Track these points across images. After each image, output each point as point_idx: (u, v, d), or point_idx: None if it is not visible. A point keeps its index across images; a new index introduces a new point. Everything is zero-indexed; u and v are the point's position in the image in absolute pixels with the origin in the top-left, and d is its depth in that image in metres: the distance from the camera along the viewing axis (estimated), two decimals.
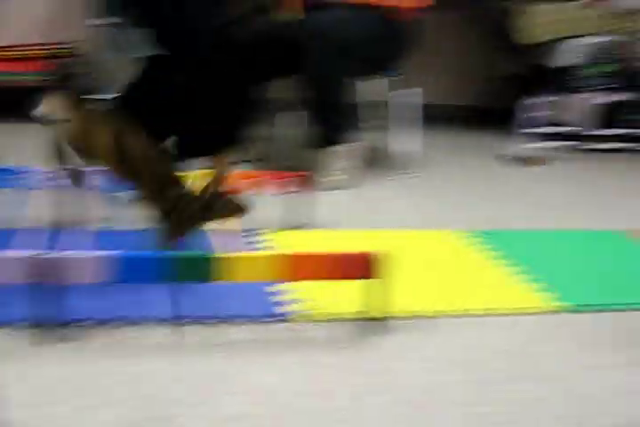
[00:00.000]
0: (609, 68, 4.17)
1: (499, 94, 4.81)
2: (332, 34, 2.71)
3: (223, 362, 1.50)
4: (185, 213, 1.92)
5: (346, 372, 1.49)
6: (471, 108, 4.90)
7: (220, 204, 1.96)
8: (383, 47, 3.01)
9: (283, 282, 1.80)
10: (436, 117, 4.68)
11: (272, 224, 2.34)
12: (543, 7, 4.12)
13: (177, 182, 1.94)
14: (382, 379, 1.47)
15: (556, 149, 3.89)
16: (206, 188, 1.94)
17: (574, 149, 4.03)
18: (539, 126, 3.79)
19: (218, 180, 1.96)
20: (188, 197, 1.94)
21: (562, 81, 4.23)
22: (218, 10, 2.22)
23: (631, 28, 4.33)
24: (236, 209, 1.99)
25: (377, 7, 2.94)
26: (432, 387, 1.45)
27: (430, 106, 4.76)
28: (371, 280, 1.63)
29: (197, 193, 1.93)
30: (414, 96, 3.23)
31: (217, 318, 1.68)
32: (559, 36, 4.17)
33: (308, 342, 1.62)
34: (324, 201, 2.55)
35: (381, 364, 1.53)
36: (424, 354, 1.59)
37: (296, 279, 1.70)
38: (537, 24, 4.12)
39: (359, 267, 1.62)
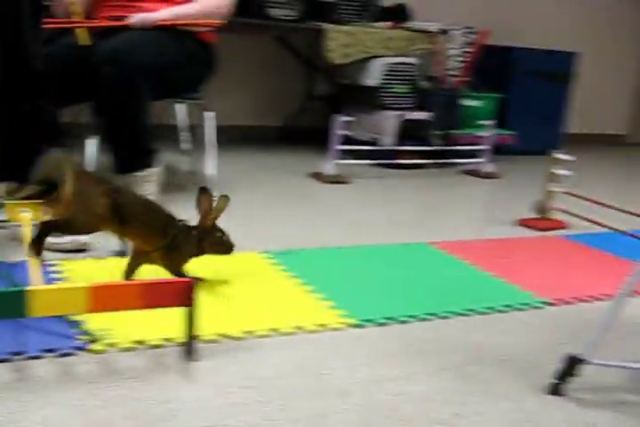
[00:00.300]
0: (406, 89, 4.40)
1: (313, 114, 4.96)
2: (126, 57, 2.67)
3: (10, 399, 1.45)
4: (183, 249, 2.02)
5: (132, 403, 1.47)
6: (286, 129, 5.01)
7: (214, 238, 2.10)
8: (184, 69, 3.01)
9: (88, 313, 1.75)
10: (248, 139, 4.77)
11: (84, 252, 2.32)
12: (345, 29, 4.28)
13: (174, 220, 2.03)
14: (168, 407, 1.46)
15: (364, 166, 4.05)
16: (200, 224, 2.07)
17: (381, 166, 4.22)
18: (348, 144, 3.93)
19: (208, 216, 2.08)
20: (184, 233, 2.03)
21: (368, 100, 4.42)
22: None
23: (429, 50, 4.59)
24: (227, 245, 2.13)
25: (174, 28, 2.93)
26: (224, 410, 1.47)
27: (241, 127, 4.85)
28: (177, 307, 1.63)
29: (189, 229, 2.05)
30: (212, 119, 3.25)
31: (14, 353, 1.62)
32: (363, 57, 4.36)
33: (107, 373, 1.58)
34: None
35: (174, 392, 1.53)
36: (221, 377, 1.60)
37: (101, 310, 1.65)
38: (340, 45, 4.27)
39: (170, 294, 1.61)
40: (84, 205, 1.85)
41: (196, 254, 2.08)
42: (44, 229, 1.88)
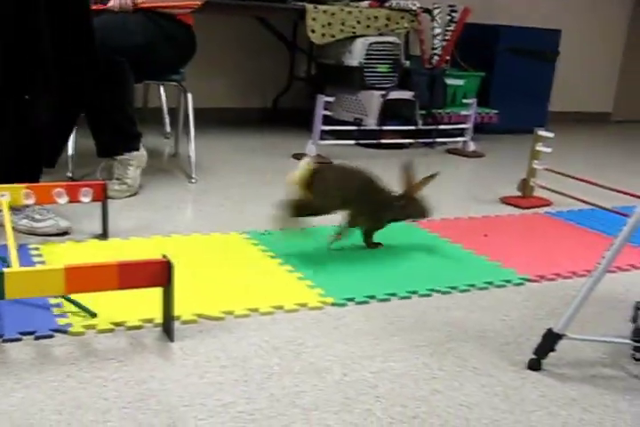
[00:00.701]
0: (388, 68, 4.37)
1: (295, 95, 4.94)
2: (104, 40, 2.64)
3: None
4: (385, 215, 2.41)
5: (110, 383, 1.46)
6: (268, 110, 4.98)
7: (415, 206, 2.44)
8: (163, 51, 2.98)
9: (65, 294, 1.75)
10: (230, 121, 4.74)
11: (64, 234, 2.33)
12: (326, 8, 4.24)
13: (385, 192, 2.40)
14: (146, 387, 1.46)
15: (347, 146, 4.04)
16: (405, 193, 2.41)
17: (364, 146, 4.21)
18: (331, 125, 3.92)
19: (413, 185, 2.41)
20: (390, 202, 2.40)
21: (351, 80, 4.40)
22: None
23: (411, 29, 4.56)
24: (425, 211, 2.46)
25: (152, 11, 2.91)
26: (202, 390, 1.47)
27: (223, 109, 4.82)
28: (157, 287, 1.63)
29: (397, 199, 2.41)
30: (191, 101, 3.23)
31: None
32: (344, 37, 4.33)
33: (85, 354, 1.57)
34: (115, 210, 2.58)
35: (152, 372, 1.52)
36: (199, 357, 1.60)
37: (78, 292, 1.64)
38: (322, 25, 4.24)
39: (146, 275, 1.61)
40: (324, 200, 2.25)
41: (400, 219, 2.46)
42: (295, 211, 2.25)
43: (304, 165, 2.21)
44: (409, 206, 2.43)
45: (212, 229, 2.50)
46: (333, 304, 1.93)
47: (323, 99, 3.72)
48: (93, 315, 1.74)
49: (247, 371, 1.56)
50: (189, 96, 3.23)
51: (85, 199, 2.32)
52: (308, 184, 2.21)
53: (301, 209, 2.25)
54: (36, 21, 2.20)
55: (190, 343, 1.67)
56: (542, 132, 3.09)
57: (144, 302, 1.73)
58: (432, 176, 2.43)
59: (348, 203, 2.29)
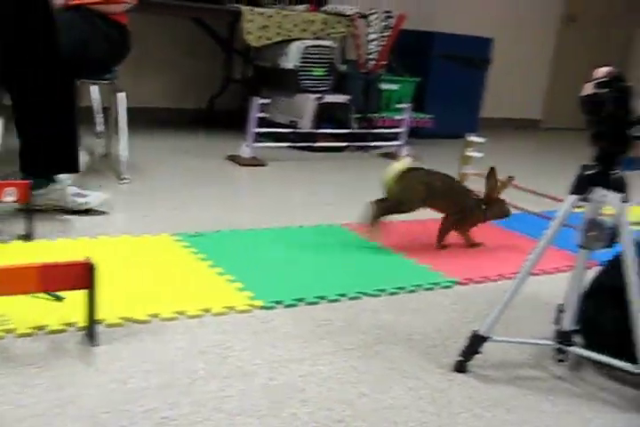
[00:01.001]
0: (323, 72, 4.38)
1: (231, 97, 4.91)
2: None
3: None
4: (471, 217, 2.61)
5: (27, 390, 1.42)
6: (203, 112, 4.94)
7: (497, 208, 2.64)
8: (95, 49, 2.92)
9: None
10: (165, 121, 4.69)
11: None
12: (262, 11, 4.23)
13: (468, 194, 2.63)
14: (65, 393, 1.42)
15: (282, 148, 4.03)
16: (487, 195, 2.60)
17: (299, 149, 4.21)
18: (267, 127, 3.90)
19: (495, 188, 2.59)
20: (473, 205, 2.60)
21: (286, 82, 4.39)
22: None
23: (347, 33, 4.58)
24: (506, 212, 2.67)
25: (85, 9, 2.85)
26: (125, 396, 1.43)
27: (157, 110, 4.77)
28: (80, 290, 1.59)
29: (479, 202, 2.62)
30: (124, 100, 3.17)
31: None
32: (280, 40, 4.32)
33: (2, 360, 1.54)
34: (45, 211, 2.54)
35: (72, 377, 1.48)
36: (122, 362, 1.56)
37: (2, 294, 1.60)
38: (258, 27, 4.23)
39: (68, 277, 1.56)
40: (409, 192, 2.48)
41: (482, 221, 2.63)
42: (381, 210, 2.49)
43: (398, 166, 2.48)
44: (492, 208, 2.63)
45: (143, 231, 2.46)
46: (262, 307, 1.92)
47: (258, 101, 3.70)
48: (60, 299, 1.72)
49: (172, 376, 1.53)
50: (122, 95, 3.18)
51: (9, 199, 2.25)
52: (398, 181, 2.46)
53: (388, 207, 2.49)
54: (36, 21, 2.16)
55: (114, 347, 1.63)
56: (473, 138, 3.13)
57: (67, 305, 1.69)
58: (510, 179, 2.61)
59: (432, 200, 2.52)
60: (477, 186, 3.19)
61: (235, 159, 3.76)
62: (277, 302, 1.94)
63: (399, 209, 2.52)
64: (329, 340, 1.78)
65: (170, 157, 3.78)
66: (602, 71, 1.51)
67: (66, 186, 2.61)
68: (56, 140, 2.53)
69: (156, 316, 1.79)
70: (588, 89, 1.50)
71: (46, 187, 2.57)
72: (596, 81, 1.49)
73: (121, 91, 3.18)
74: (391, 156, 4.30)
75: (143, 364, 1.57)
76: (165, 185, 3.16)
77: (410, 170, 2.51)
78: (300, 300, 1.98)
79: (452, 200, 2.56)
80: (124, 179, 3.10)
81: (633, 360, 1.56)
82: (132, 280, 2.01)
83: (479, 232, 2.73)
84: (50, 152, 2.53)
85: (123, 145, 3.15)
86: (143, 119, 4.35)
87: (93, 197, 2.63)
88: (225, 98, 4.90)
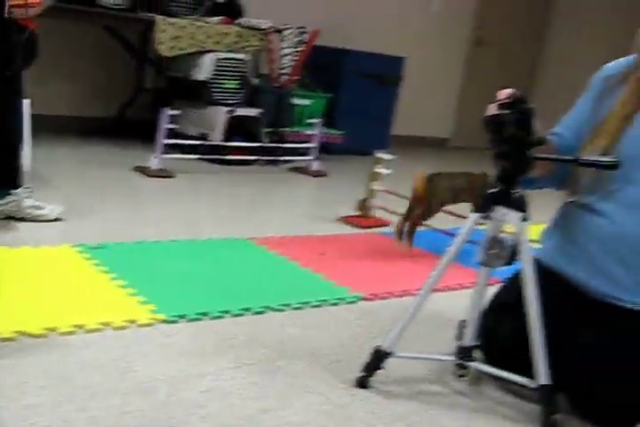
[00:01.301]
0: (235, 85, 4.37)
1: (141, 107, 4.82)
2: None
3: None
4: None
5: None
6: (112, 121, 4.84)
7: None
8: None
9: None
10: (71, 129, 4.57)
11: None
12: (176, 21, 4.19)
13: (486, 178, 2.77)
14: None
15: (192, 161, 3.98)
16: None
17: (209, 161, 4.17)
18: (177, 139, 3.86)
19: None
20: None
21: (198, 94, 4.36)
22: None
23: (260, 47, 4.58)
24: None
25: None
26: (17, 413, 1.37)
27: (64, 117, 4.64)
28: None
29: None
30: (28, 106, 3.08)
31: None
32: (193, 51, 4.29)
33: None
34: None
35: None
36: (15, 377, 1.50)
37: None
38: (171, 38, 4.18)
39: None
40: (436, 198, 2.77)
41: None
42: (413, 225, 2.81)
43: (420, 174, 2.76)
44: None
45: (43, 242, 2.38)
46: (164, 321, 1.88)
47: (167, 112, 3.66)
48: None
49: (68, 391, 1.48)
50: (27, 102, 3.08)
51: None
52: (424, 187, 2.73)
53: (419, 217, 2.78)
54: None
55: (7, 363, 1.56)
56: (381, 155, 3.17)
57: None
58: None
59: (458, 195, 2.78)
60: (385, 202, 3.24)
61: (142, 170, 3.69)
62: (180, 316, 1.91)
63: (429, 216, 2.81)
64: (231, 355, 1.76)
65: (75, 166, 3.69)
66: (505, 93, 1.55)
67: (22, 198, 2.60)
68: None
69: (53, 330, 1.73)
70: (492, 110, 1.54)
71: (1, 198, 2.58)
72: (499, 102, 1.53)
73: (25, 97, 3.07)
74: (302, 170, 4.32)
75: (37, 379, 1.51)
76: (69, 195, 3.07)
77: (432, 176, 2.77)
78: (204, 314, 1.95)
79: (473, 192, 2.78)
80: (27, 188, 3.00)
81: (529, 373, 1.60)
82: (28, 293, 1.93)
83: (387, 247, 2.76)
84: None
85: (25, 154, 3.04)
86: (49, 127, 4.23)
87: (49, 210, 2.65)
88: (136, 108, 4.82)
